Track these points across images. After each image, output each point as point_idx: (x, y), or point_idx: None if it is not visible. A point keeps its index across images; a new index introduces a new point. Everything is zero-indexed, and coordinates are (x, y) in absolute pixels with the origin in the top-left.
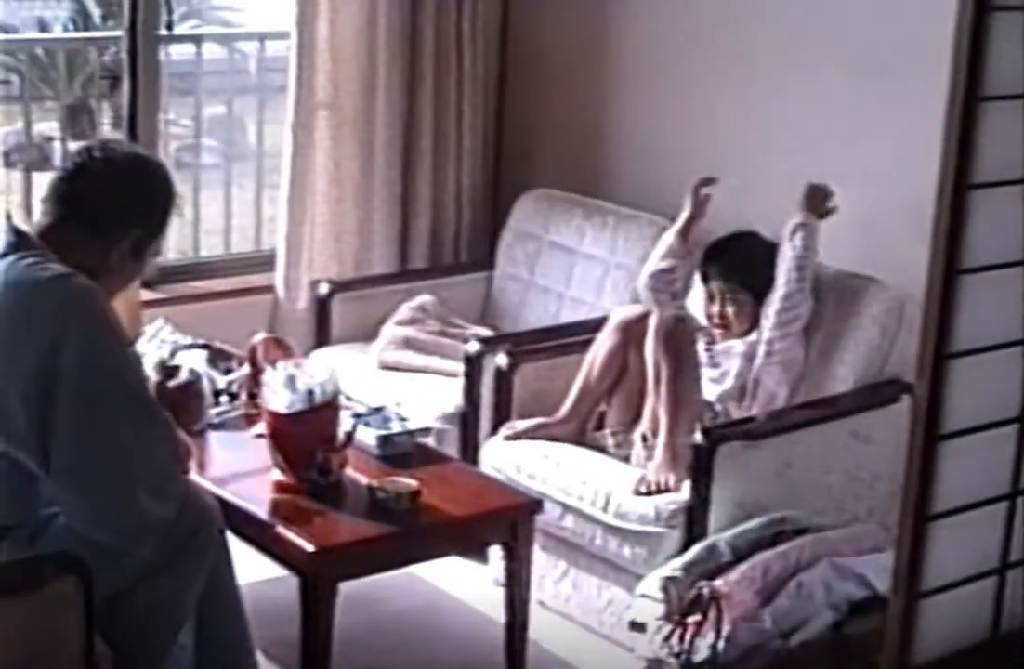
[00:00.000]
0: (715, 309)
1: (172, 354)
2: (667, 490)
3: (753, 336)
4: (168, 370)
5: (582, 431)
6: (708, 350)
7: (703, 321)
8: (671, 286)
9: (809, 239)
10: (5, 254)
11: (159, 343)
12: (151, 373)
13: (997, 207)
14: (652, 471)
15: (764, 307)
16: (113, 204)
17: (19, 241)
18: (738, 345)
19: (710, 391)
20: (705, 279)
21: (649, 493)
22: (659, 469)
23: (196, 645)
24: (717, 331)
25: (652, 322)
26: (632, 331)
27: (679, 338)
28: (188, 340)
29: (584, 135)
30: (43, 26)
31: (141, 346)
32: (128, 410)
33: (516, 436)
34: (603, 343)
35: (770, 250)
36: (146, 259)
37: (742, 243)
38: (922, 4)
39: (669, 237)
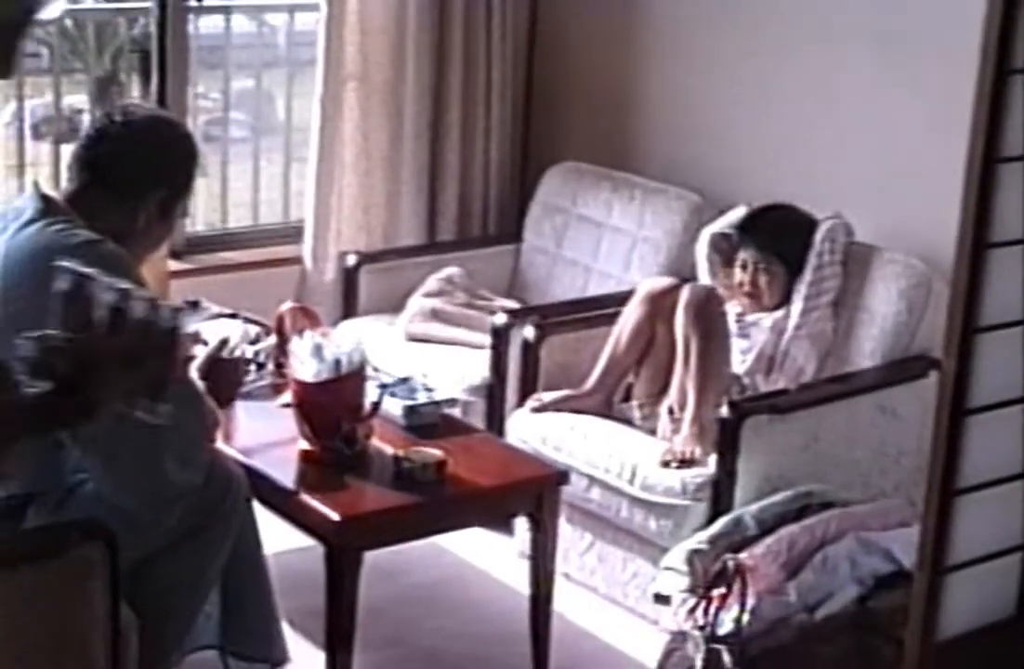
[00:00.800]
0: (746, 278)
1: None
2: (693, 463)
3: (783, 311)
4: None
5: (608, 403)
6: (739, 321)
7: (727, 293)
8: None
9: (841, 220)
10: (33, 220)
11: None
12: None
13: None
14: (679, 444)
15: (796, 283)
16: (136, 165)
17: (47, 207)
18: (768, 319)
19: (738, 363)
20: (739, 248)
21: (675, 465)
22: (686, 442)
23: (221, 613)
24: (745, 301)
25: (683, 294)
26: (660, 303)
27: (710, 311)
28: (216, 309)
29: (613, 108)
30: None
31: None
32: None
33: (543, 408)
34: (631, 315)
35: (806, 223)
36: (174, 220)
37: (779, 214)
38: None
39: (741, 208)
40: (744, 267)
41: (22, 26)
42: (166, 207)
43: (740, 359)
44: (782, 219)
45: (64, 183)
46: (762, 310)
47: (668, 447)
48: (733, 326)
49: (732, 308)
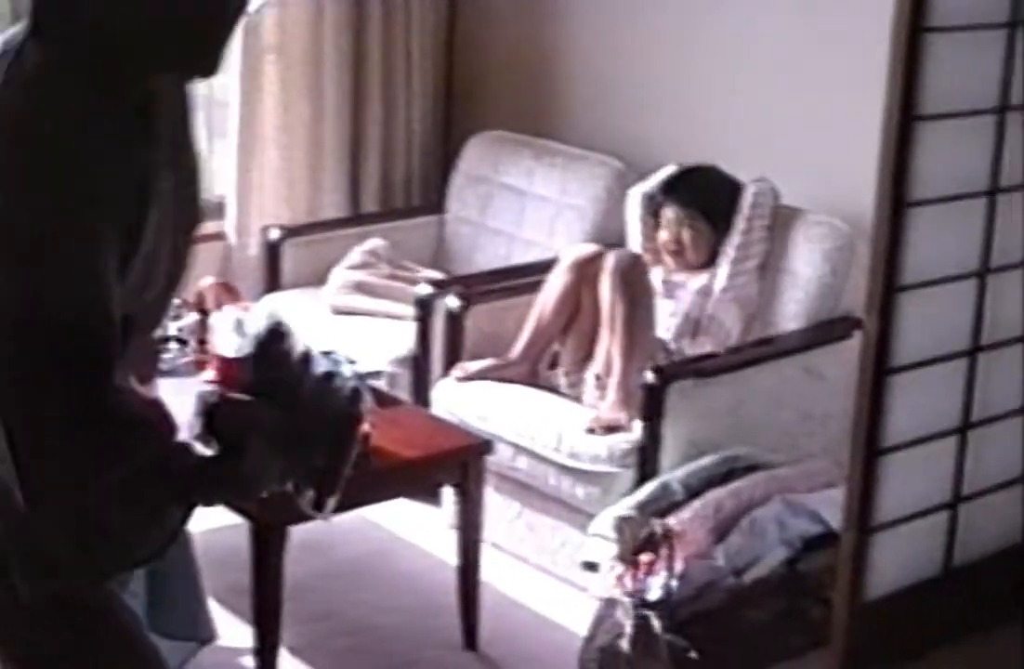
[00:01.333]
0: (671, 236)
1: None
2: (619, 429)
3: (708, 274)
4: None
5: (534, 372)
6: (665, 282)
7: (655, 256)
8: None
9: (768, 183)
10: None
11: None
12: None
13: (943, 139)
14: (604, 411)
15: (723, 245)
16: None
17: None
18: (694, 282)
19: (665, 327)
20: (663, 206)
21: (601, 433)
22: (611, 408)
23: (147, 593)
24: (670, 260)
25: (608, 260)
26: (585, 270)
27: (635, 276)
28: None
29: (533, 77)
30: None
31: None
32: None
33: (468, 377)
34: (555, 283)
35: (729, 184)
36: None
37: (702, 174)
38: None
39: (672, 167)
40: (668, 225)
41: (234, 21)
42: None
43: (667, 323)
44: (706, 178)
45: None
46: (687, 269)
47: (595, 414)
48: (660, 287)
49: (658, 272)
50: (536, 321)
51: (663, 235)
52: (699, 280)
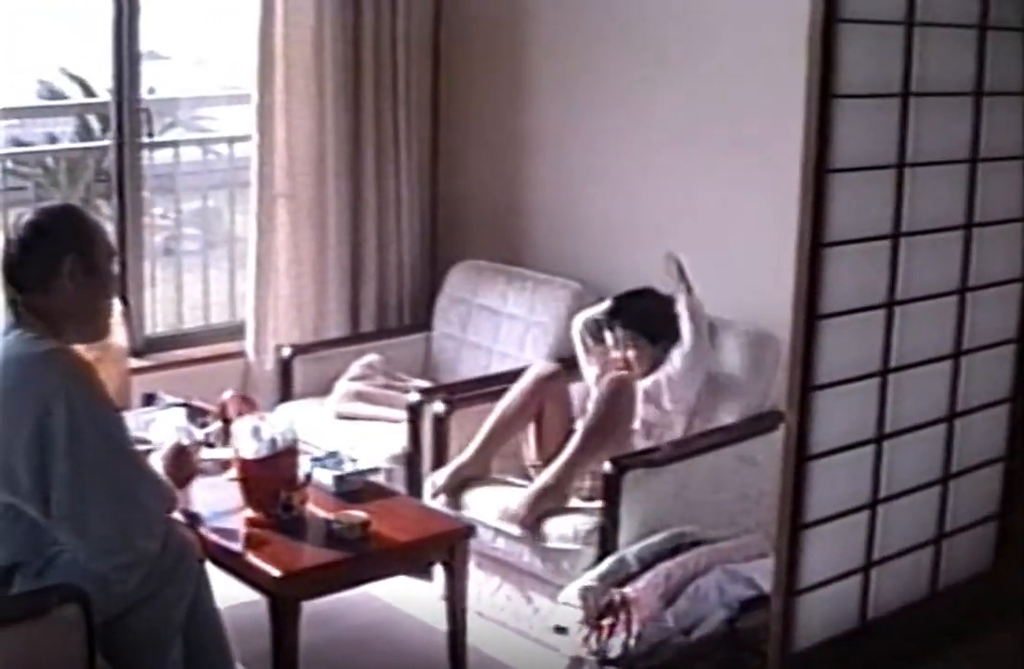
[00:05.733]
0: (619, 354)
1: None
2: (518, 523)
3: (651, 380)
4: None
5: (486, 470)
6: None
7: (600, 368)
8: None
9: (692, 301)
10: (8, 331)
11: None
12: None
13: (847, 262)
14: (516, 501)
15: (670, 356)
16: (36, 249)
17: (18, 318)
18: (640, 390)
19: None
20: (610, 329)
21: (507, 523)
22: (524, 500)
23: (185, 660)
24: (623, 374)
25: (603, 379)
26: (545, 385)
27: (621, 395)
28: (170, 399)
29: (505, 214)
30: (53, 139)
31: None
32: (115, 464)
33: (439, 492)
34: (516, 395)
35: (664, 301)
36: (102, 272)
37: (640, 298)
38: (779, 93)
39: (608, 301)
40: (616, 345)
41: None
42: (86, 266)
43: None
44: (642, 300)
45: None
46: (635, 378)
47: (504, 506)
48: None
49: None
50: (492, 427)
51: (612, 355)
52: (643, 389)
